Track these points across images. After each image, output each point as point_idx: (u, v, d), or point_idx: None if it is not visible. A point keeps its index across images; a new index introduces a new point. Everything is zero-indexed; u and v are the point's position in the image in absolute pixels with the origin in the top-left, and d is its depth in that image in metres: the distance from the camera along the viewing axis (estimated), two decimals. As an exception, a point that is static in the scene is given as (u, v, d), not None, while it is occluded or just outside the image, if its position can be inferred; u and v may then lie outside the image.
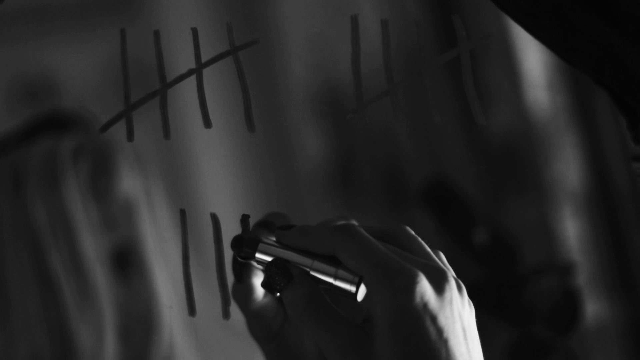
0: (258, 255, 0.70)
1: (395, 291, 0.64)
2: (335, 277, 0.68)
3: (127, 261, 1.19)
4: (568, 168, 1.78)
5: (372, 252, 0.66)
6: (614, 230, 1.74)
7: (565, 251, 1.76)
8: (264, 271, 0.69)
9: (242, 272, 0.71)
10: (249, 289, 0.71)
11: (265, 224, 0.71)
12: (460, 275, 0.68)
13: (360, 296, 0.67)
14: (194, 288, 0.71)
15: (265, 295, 0.72)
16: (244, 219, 0.71)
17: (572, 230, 1.77)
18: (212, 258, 0.71)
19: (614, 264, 1.73)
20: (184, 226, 0.72)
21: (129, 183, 1.21)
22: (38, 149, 1.21)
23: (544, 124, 1.81)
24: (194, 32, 0.72)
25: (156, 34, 0.72)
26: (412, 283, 0.64)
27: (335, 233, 0.67)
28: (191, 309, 0.71)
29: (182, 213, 0.72)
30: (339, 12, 2.09)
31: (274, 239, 0.70)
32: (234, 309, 0.71)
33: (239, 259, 0.70)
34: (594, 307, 1.68)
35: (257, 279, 0.71)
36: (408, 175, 2.12)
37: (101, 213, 1.20)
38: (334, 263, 0.68)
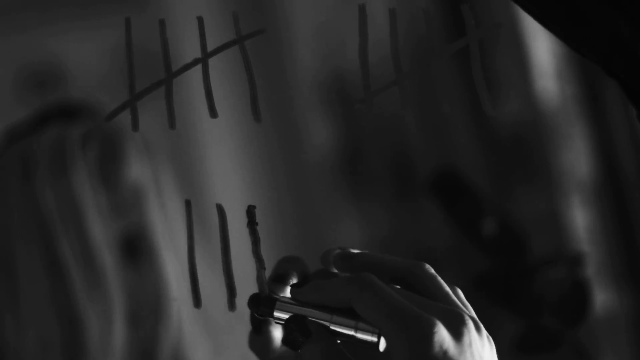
0: (276, 313, 0.69)
1: (414, 341, 0.64)
2: (356, 330, 0.67)
3: (136, 248, 1.19)
4: (577, 158, 1.77)
5: (387, 303, 0.66)
6: (623, 220, 1.73)
7: (574, 241, 1.75)
8: (283, 328, 0.69)
9: (261, 325, 0.70)
10: (268, 340, 0.71)
11: (280, 278, 0.71)
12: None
13: (382, 346, 0.67)
14: (200, 279, 0.71)
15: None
16: (250, 210, 0.70)
17: (581, 220, 1.77)
18: (218, 249, 0.71)
19: (623, 254, 1.73)
20: (189, 217, 0.71)
21: (138, 170, 1.21)
22: (47, 136, 1.21)
23: (553, 114, 1.81)
24: (200, 21, 0.72)
25: (162, 22, 0.71)
26: (430, 332, 0.64)
27: (350, 286, 0.67)
28: (196, 301, 0.70)
29: (188, 204, 0.71)
30: (346, 0, 2.08)
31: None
32: (240, 300, 0.71)
33: (257, 316, 0.70)
34: (603, 297, 1.68)
35: (275, 330, 0.71)
36: (416, 165, 2.12)
37: (110, 200, 1.20)
38: (353, 315, 0.67)
